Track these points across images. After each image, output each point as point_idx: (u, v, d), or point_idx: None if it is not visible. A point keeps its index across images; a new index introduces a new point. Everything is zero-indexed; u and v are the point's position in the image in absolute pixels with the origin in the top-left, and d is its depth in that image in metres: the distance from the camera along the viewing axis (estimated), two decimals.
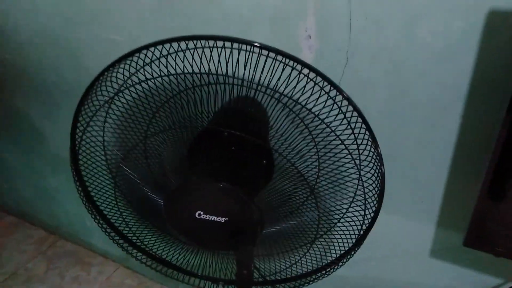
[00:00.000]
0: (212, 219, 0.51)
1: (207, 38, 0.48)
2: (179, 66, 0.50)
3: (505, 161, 0.52)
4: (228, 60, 0.49)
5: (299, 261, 0.61)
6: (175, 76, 0.49)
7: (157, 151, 0.56)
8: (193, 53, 0.51)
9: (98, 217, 0.58)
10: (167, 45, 0.50)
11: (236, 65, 0.49)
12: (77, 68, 1.02)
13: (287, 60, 0.49)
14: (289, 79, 0.50)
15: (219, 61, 0.48)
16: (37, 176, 1.44)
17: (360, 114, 0.52)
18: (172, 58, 0.49)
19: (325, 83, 0.51)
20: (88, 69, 1.01)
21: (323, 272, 0.56)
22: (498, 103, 0.61)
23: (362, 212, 0.56)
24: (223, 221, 0.51)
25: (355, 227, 0.58)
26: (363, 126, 0.53)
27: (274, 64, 0.50)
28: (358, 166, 0.52)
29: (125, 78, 0.52)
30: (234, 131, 0.53)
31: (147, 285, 1.41)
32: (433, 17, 0.60)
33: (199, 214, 0.51)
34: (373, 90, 0.69)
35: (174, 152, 0.55)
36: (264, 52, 0.48)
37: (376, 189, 0.55)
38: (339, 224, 0.60)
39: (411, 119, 0.68)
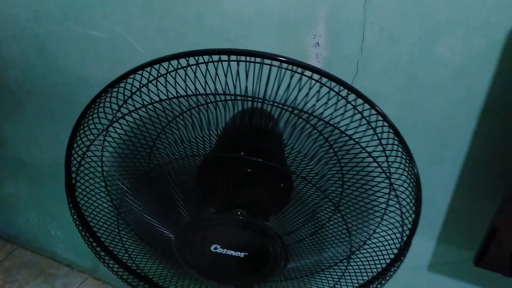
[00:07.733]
0: (230, 253, 0.45)
1: (227, 52, 0.42)
2: (189, 86, 0.43)
3: None
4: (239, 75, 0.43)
5: (339, 281, 0.55)
6: (186, 98, 0.42)
7: (164, 182, 0.49)
8: (195, 69, 0.44)
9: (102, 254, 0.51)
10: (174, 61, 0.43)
11: (259, 81, 0.43)
12: (45, 65, 0.91)
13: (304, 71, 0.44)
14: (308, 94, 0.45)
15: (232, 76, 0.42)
16: None
17: (393, 127, 0.49)
18: (172, 76, 0.42)
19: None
20: (58, 67, 0.89)
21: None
22: None
23: (398, 224, 0.52)
24: (242, 256, 0.45)
25: (390, 240, 0.55)
26: (396, 141, 0.48)
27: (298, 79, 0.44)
28: (389, 178, 0.47)
29: (122, 101, 0.44)
30: (249, 152, 0.47)
31: None
32: (453, 33, 0.57)
33: (215, 248, 0.45)
34: (384, 105, 0.65)
35: (183, 181, 0.48)
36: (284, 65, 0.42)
37: (410, 196, 0.51)
38: (375, 236, 0.56)
39: (423, 136, 0.66)
